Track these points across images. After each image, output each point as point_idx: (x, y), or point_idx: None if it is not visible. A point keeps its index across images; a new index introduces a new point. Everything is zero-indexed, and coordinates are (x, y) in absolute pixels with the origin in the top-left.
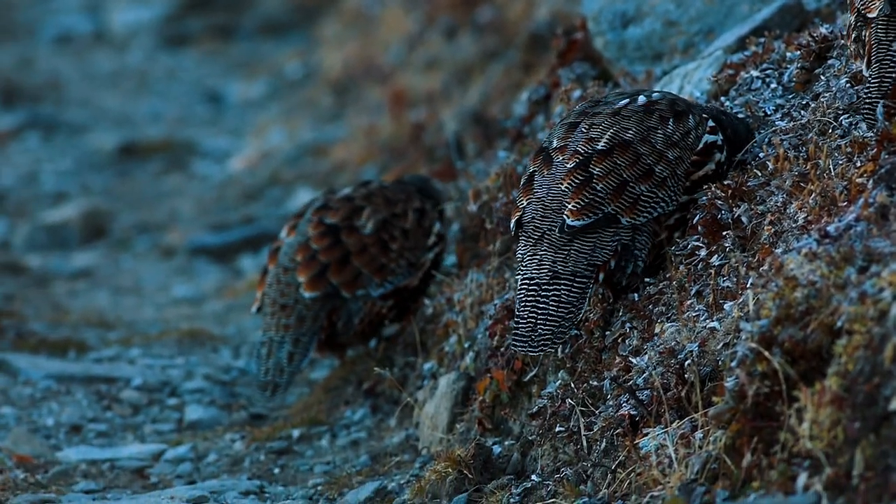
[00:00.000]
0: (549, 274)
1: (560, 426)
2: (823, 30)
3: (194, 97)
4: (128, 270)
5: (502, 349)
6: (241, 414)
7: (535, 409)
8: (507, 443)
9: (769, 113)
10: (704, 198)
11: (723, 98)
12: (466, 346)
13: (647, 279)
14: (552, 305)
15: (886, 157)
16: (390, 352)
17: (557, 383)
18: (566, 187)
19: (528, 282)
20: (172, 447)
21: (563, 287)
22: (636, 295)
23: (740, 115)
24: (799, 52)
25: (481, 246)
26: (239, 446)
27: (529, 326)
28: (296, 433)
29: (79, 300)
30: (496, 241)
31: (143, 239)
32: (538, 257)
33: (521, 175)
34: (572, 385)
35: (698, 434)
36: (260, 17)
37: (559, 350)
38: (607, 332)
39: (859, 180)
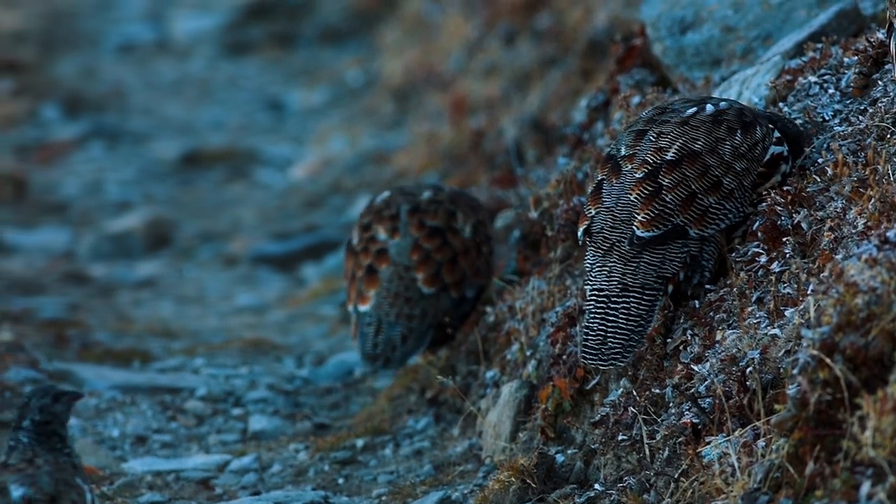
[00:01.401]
0: (619, 286)
1: (623, 434)
2: (880, 35)
3: (256, 105)
4: (191, 279)
5: (564, 357)
6: (305, 424)
7: (597, 418)
8: (569, 451)
9: (827, 118)
10: (764, 204)
11: (781, 104)
12: (528, 353)
13: (707, 286)
14: (622, 318)
15: None
16: (453, 360)
17: (619, 391)
18: (635, 198)
19: (597, 293)
20: (237, 458)
21: (632, 299)
22: (697, 302)
23: (797, 121)
24: (856, 58)
25: (542, 253)
26: (303, 456)
27: (599, 339)
28: (360, 443)
29: (143, 310)
30: (557, 248)
31: (206, 248)
32: (607, 268)
33: (581, 182)
34: (634, 393)
35: (761, 442)
36: (320, 25)
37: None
38: (668, 340)
39: None
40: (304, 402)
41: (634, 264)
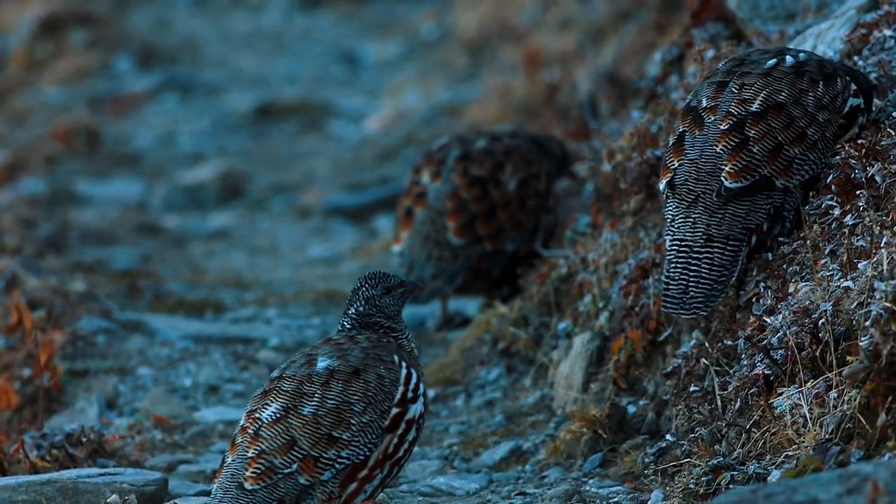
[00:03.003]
0: (704, 237)
1: (694, 386)
2: None
3: (330, 58)
4: (264, 231)
5: (637, 308)
6: None
7: (669, 369)
8: (641, 402)
9: None
10: (838, 157)
11: (856, 57)
12: (601, 305)
13: (780, 238)
14: (705, 268)
15: None
16: (525, 311)
17: (692, 343)
18: (721, 149)
19: (678, 243)
20: None
21: (716, 250)
22: (770, 254)
23: (871, 75)
24: None
25: (615, 206)
26: None
27: (681, 289)
28: (431, 393)
29: (215, 261)
30: (630, 200)
31: (279, 199)
32: (692, 219)
33: (654, 135)
34: (706, 345)
35: (832, 393)
36: None
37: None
38: (741, 292)
39: None
40: None
41: (720, 215)
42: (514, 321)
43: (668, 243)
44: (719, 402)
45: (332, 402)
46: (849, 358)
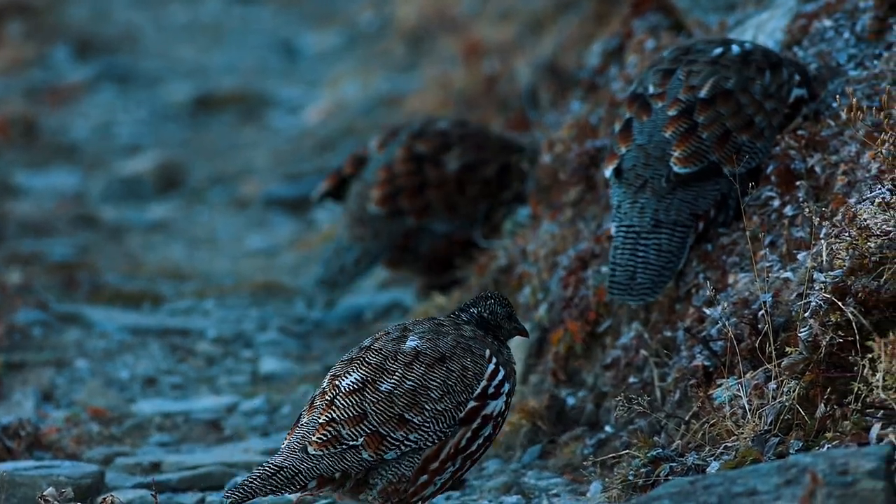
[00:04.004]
0: (652, 222)
1: (634, 377)
2: None
3: (268, 49)
4: (202, 222)
5: (576, 300)
6: (315, 366)
7: (608, 361)
8: (580, 394)
9: (842, 63)
10: (778, 148)
11: (796, 48)
12: (540, 297)
13: (720, 229)
14: (652, 253)
15: None
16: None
17: (631, 334)
18: (671, 135)
19: (625, 229)
20: (246, 399)
21: (664, 235)
22: (710, 245)
23: (812, 66)
24: (872, 2)
25: (555, 197)
26: None
27: (628, 274)
28: None
29: (153, 252)
30: (570, 191)
31: (217, 190)
32: (640, 205)
33: (594, 126)
34: (646, 336)
35: (772, 385)
36: None
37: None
38: (681, 283)
39: None
40: (314, 344)
41: (668, 200)
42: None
43: (614, 229)
44: (658, 394)
45: (411, 383)
46: (788, 349)
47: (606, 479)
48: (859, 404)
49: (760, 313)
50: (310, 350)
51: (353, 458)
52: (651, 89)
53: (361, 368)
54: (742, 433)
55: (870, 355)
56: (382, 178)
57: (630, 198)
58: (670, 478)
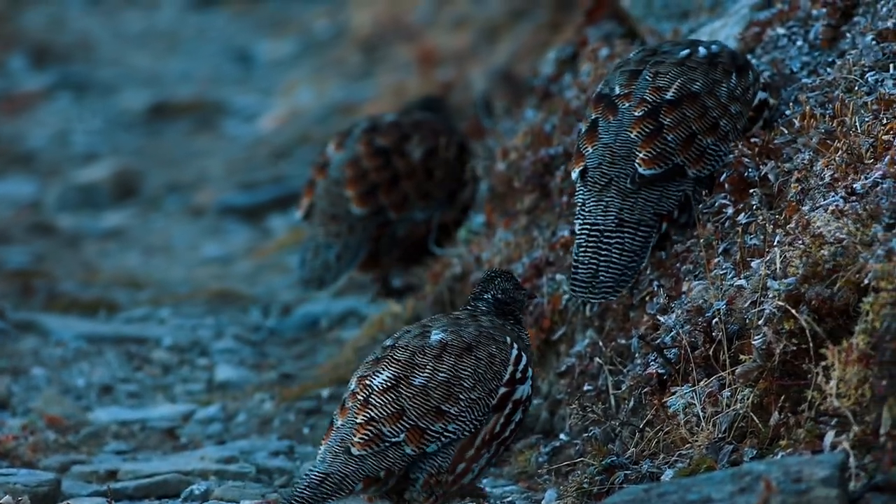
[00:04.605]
0: (616, 221)
1: (588, 385)
2: None
3: (224, 57)
4: (158, 230)
5: (531, 308)
6: (271, 374)
7: (563, 368)
8: (535, 402)
9: (795, 70)
10: (731, 156)
11: (749, 56)
12: None
13: (674, 237)
14: (615, 252)
15: None
16: (419, 310)
17: (585, 342)
18: (636, 135)
19: (588, 227)
20: (202, 407)
21: (626, 235)
22: (664, 253)
23: (765, 73)
24: (825, 10)
25: (509, 205)
26: (268, 406)
27: (590, 272)
28: (325, 393)
29: (109, 260)
30: (524, 199)
31: (173, 199)
32: (604, 203)
33: (548, 134)
34: (600, 344)
35: (726, 392)
36: None
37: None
38: (635, 291)
39: (886, 137)
40: (269, 352)
41: (633, 200)
42: (407, 320)
43: (577, 227)
44: (613, 402)
45: (444, 375)
46: (742, 357)
47: (561, 487)
48: (813, 412)
49: (714, 321)
50: (265, 358)
51: (396, 454)
52: (617, 90)
53: (391, 366)
54: (696, 441)
55: (823, 363)
56: (351, 174)
57: (595, 196)
58: (625, 485)
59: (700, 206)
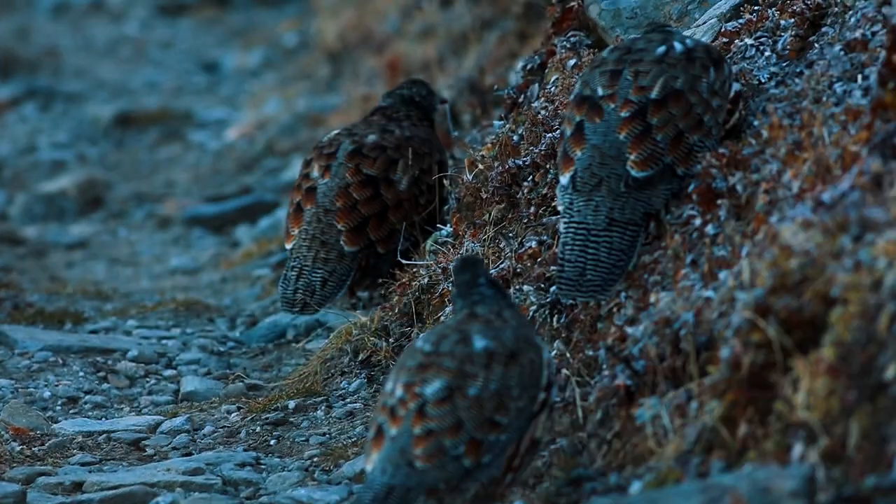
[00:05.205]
0: (607, 220)
1: (555, 396)
2: None
3: (191, 67)
4: (124, 241)
5: None
6: (237, 385)
7: None
8: None
9: (763, 81)
10: (699, 166)
11: None
12: None
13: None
14: (604, 251)
15: (881, 125)
16: (386, 321)
17: (553, 353)
18: (625, 137)
19: (575, 226)
20: (169, 419)
21: (615, 234)
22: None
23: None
24: (793, 20)
25: (476, 216)
26: (235, 418)
27: (577, 271)
28: (291, 404)
29: (75, 271)
30: (491, 210)
31: (139, 209)
32: (594, 203)
33: (516, 144)
34: (567, 355)
35: (693, 404)
36: None
37: (556, 319)
38: (602, 302)
39: (854, 148)
40: (236, 363)
41: (623, 199)
42: (374, 331)
43: (563, 226)
44: (580, 413)
45: (495, 385)
46: (710, 368)
47: (528, 499)
48: (781, 424)
49: (682, 332)
50: (232, 369)
51: (455, 467)
52: (600, 91)
53: (442, 374)
54: (664, 453)
55: (791, 375)
56: (342, 205)
57: (584, 196)
58: (592, 497)
59: (667, 216)
